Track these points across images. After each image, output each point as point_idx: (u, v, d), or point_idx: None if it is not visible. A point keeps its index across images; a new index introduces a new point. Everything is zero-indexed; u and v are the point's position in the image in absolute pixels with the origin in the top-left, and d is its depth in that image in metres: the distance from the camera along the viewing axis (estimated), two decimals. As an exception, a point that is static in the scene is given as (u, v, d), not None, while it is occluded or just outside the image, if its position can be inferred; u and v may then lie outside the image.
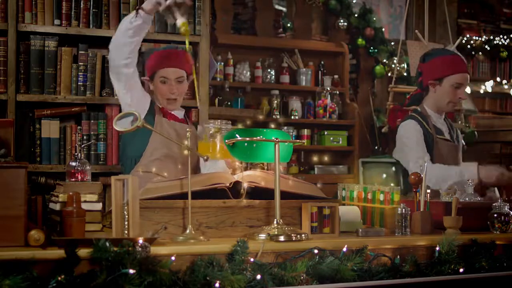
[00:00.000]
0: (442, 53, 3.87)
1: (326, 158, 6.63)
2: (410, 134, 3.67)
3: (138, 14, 3.16)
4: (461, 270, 2.58)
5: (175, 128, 3.43)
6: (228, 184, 2.61)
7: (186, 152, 2.55)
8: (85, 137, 3.75)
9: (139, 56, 3.70)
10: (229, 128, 2.75)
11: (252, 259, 2.29)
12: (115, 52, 3.27)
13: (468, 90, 7.57)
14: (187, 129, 2.67)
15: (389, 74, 6.86)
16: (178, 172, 3.22)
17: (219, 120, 2.77)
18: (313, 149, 6.59)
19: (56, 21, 3.75)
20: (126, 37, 3.22)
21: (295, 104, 6.55)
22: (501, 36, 8.07)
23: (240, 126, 2.70)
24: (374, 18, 7.06)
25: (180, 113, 3.55)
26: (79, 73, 3.78)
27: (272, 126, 2.99)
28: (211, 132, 2.70)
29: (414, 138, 3.65)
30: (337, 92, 6.68)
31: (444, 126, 3.83)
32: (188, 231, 2.44)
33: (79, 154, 2.65)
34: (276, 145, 2.56)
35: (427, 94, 3.81)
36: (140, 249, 2.11)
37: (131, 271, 2.05)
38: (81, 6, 3.77)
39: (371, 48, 7.04)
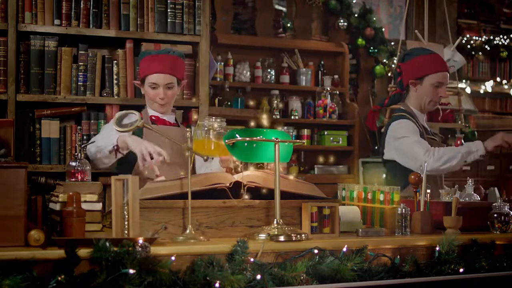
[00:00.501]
0: (422, 52, 3.87)
1: (326, 158, 6.63)
2: (409, 131, 3.65)
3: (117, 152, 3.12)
4: (461, 270, 2.58)
5: (167, 134, 3.34)
6: (228, 184, 2.61)
7: (187, 153, 2.55)
8: (85, 137, 3.75)
9: (136, 56, 3.72)
10: (224, 125, 2.73)
11: (252, 259, 2.29)
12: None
13: (468, 90, 7.60)
14: (187, 129, 2.66)
15: (389, 74, 6.86)
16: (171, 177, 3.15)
17: (213, 117, 2.74)
18: (313, 149, 6.59)
19: (56, 21, 3.75)
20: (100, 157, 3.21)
21: (295, 104, 6.55)
22: (501, 36, 8.07)
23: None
24: (374, 18, 7.06)
25: (171, 118, 3.51)
26: (79, 73, 3.78)
27: (265, 123, 2.94)
28: (205, 128, 2.69)
29: (415, 135, 3.64)
30: (337, 92, 6.69)
31: (427, 125, 3.87)
32: (188, 231, 2.44)
33: (79, 154, 2.65)
34: (276, 145, 2.56)
35: (408, 93, 3.82)
36: (140, 249, 2.11)
37: (131, 271, 2.05)
38: (81, 6, 3.77)
39: (371, 48, 7.04)
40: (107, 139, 3.13)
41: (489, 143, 3.54)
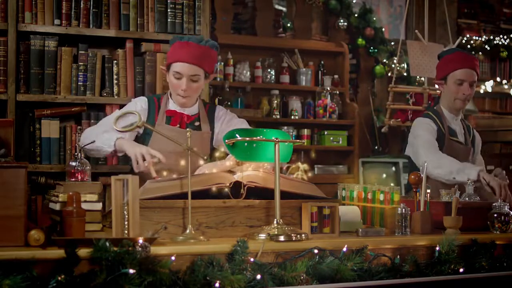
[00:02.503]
0: (448, 52, 3.90)
1: (326, 158, 6.63)
2: (423, 130, 3.68)
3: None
4: (461, 270, 2.58)
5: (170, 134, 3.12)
6: (228, 184, 2.61)
7: (186, 150, 2.55)
8: (85, 137, 3.75)
9: (136, 56, 3.68)
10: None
11: (252, 259, 2.29)
12: None
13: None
14: (187, 130, 2.64)
15: (389, 74, 6.86)
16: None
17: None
18: (313, 149, 6.59)
19: (56, 21, 3.75)
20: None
21: (295, 104, 6.55)
22: (501, 36, 8.06)
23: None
24: (374, 18, 7.06)
25: (192, 110, 3.29)
26: (79, 73, 3.78)
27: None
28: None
29: (428, 134, 3.65)
30: (337, 92, 6.68)
31: (458, 127, 3.82)
32: (188, 231, 2.44)
33: (79, 154, 2.65)
34: (276, 145, 2.56)
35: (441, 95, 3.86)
36: (140, 249, 2.11)
37: (131, 271, 2.05)
38: (81, 6, 3.77)
39: (371, 48, 7.04)
40: (106, 140, 3.05)
41: (485, 176, 3.32)
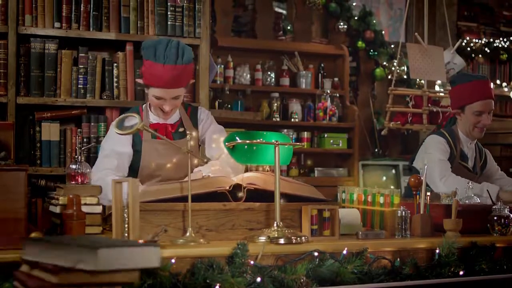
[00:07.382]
0: (463, 80, 3.87)
1: (326, 161, 6.63)
2: (436, 149, 3.69)
3: None
4: (461, 272, 2.58)
5: (167, 147, 3.15)
6: (227, 187, 2.61)
7: (186, 153, 2.55)
8: (85, 140, 3.75)
9: (136, 59, 3.67)
10: None
11: (252, 262, 2.29)
12: None
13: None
14: (187, 132, 2.65)
15: (389, 77, 6.86)
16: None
17: None
18: (313, 152, 6.59)
19: (56, 24, 3.75)
20: None
21: (295, 106, 6.56)
22: (501, 39, 8.07)
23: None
24: (374, 21, 7.07)
25: (174, 118, 3.29)
26: (79, 76, 3.78)
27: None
28: None
29: (440, 153, 3.67)
30: (337, 95, 6.69)
31: (471, 152, 3.84)
32: (188, 233, 2.44)
33: (79, 156, 2.65)
34: (276, 148, 2.57)
35: (457, 120, 3.87)
36: (140, 251, 2.11)
37: (131, 273, 2.05)
38: (81, 9, 3.77)
39: (371, 50, 7.04)
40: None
41: (506, 195, 3.33)
